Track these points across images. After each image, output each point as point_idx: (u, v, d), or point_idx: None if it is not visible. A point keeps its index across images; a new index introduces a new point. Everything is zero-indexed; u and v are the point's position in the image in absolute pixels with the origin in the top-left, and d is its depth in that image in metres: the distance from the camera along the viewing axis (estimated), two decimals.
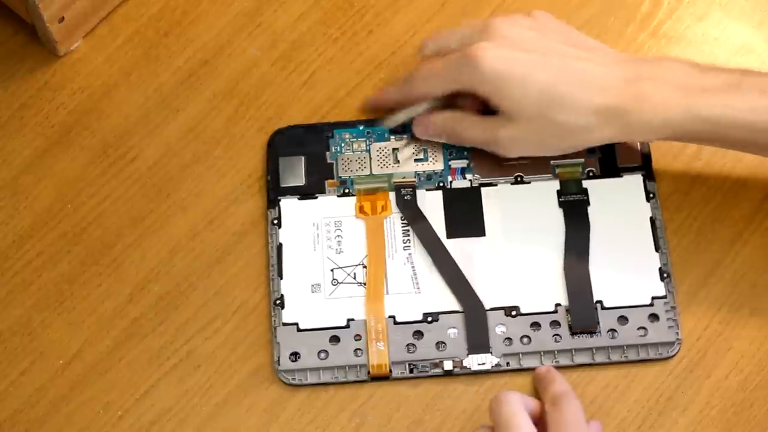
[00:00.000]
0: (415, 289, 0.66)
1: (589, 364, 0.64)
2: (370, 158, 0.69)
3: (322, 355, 0.65)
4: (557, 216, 0.67)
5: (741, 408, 0.63)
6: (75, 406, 0.65)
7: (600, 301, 0.65)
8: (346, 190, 0.68)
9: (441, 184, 0.68)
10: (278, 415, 0.64)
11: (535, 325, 0.65)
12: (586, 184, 0.68)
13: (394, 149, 0.69)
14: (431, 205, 0.68)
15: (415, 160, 0.69)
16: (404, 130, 0.69)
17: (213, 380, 0.65)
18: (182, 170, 0.70)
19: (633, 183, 0.68)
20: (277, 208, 0.68)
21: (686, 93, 0.61)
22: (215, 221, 0.69)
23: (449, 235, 0.67)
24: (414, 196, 0.68)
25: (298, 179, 0.69)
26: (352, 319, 0.65)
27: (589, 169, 0.68)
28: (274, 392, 0.65)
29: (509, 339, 0.64)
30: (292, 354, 0.65)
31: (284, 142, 0.70)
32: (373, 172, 0.69)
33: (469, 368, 0.64)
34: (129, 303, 0.67)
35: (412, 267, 0.66)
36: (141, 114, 0.71)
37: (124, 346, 0.66)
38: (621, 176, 0.68)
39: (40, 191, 0.70)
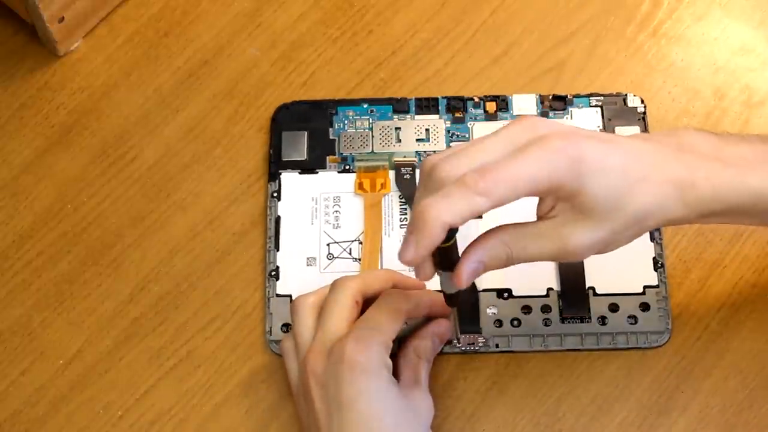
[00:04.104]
0: (409, 268, 0.66)
1: (578, 350, 0.64)
2: (372, 136, 0.70)
3: None
4: None
5: (741, 408, 0.63)
6: (75, 406, 0.65)
7: (592, 288, 0.65)
8: (347, 167, 0.69)
9: None
10: (278, 414, 0.64)
11: (526, 309, 0.65)
12: None
13: (396, 128, 0.69)
14: None
15: (417, 140, 0.69)
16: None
17: (213, 380, 0.65)
18: (182, 170, 0.70)
19: None
20: (277, 181, 0.68)
21: (724, 164, 0.56)
22: (215, 221, 0.69)
23: None
24: (414, 175, 0.68)
25: (300, 154, 0.69)
26: None
27: None
28: (274, 392, 0.65)
29: (500, 321, 0.65)
30: (284, 325, 0.65)
31: (288, 117, 0.70)
32: (375, 150, 0.69)
33: (459, 348, 0.64)
34: (129, 303, 0.67)
35: None
36: (141, 114, 0.71)
37: (124, 346, 0.66)
38: None
39: (40, 191, 0.70)
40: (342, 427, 0.56)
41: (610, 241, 0.55)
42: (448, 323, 0.62)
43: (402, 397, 0.58)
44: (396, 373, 0.60)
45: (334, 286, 0.60)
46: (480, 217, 0.65)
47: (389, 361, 0.58)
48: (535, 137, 0.54)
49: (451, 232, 0.53)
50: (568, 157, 0.53)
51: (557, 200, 0.55)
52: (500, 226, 0.56)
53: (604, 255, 0.64)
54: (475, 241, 0.56)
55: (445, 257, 0.55)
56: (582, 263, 0.65)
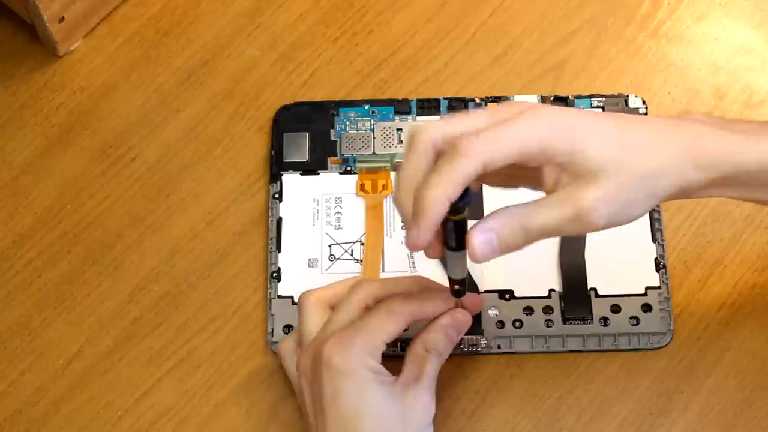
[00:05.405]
0: (411, 268, 0.66)
1: (580, 351, 0.64)
2: (374, 137, 0.70)
3: None
4: None
5: (741, 408, 0.63)
6: (75, 406, 0.65)
7: (594, 289, 0.65)
8: (348, 168, 0.69)
9: None
10: (278, 414, 0.64)
11: (528, 310, 0.65)
12: None
13: (398, 129, 0.70)
14: None
15: None
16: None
17: (213, 380, 0.65)
18: (182, 170, 0.70)
19: None
20: (279, 183, 0.68)
21: (732, 132, 0.55)
22: (215, 221, 0.69)
23: None
24: None
25: (302, 155, 0.69)
26: None
27: None
28: (274, 392, 0.65)
29: (501, 322, 0.65)
30: (285, 326, 0.65)
31: (289, 119, 0.70)
32: (376, 152, 0.69)
33: (461, 349, 0.64)
34: (129, 303, 0.67)
35: None
36: (141, 114, 0.71)
37: (124, 346, 0.66)
38: None
39: (40, 191, 0.70)
40: (325, 426, 0.57)
41: (622, 200, 0.53)
42: (466, 313, 0.60)
43: (389, 397, 0.57)
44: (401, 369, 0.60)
45: (351, 287, 0.60)
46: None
47: (372, 362, 0.57)
48: (520, 110, 0.53)
49: (458, 204, 0.52)
50: (554, 120, 0.53)
51: (559, 171, 0.53)
52: (510, 205, 0.54)
53: (606, 254, 0.65)
54: (485, 216, 0.54)
55: (455, 234, 0.53)
56: (584, 263, 0.65)
